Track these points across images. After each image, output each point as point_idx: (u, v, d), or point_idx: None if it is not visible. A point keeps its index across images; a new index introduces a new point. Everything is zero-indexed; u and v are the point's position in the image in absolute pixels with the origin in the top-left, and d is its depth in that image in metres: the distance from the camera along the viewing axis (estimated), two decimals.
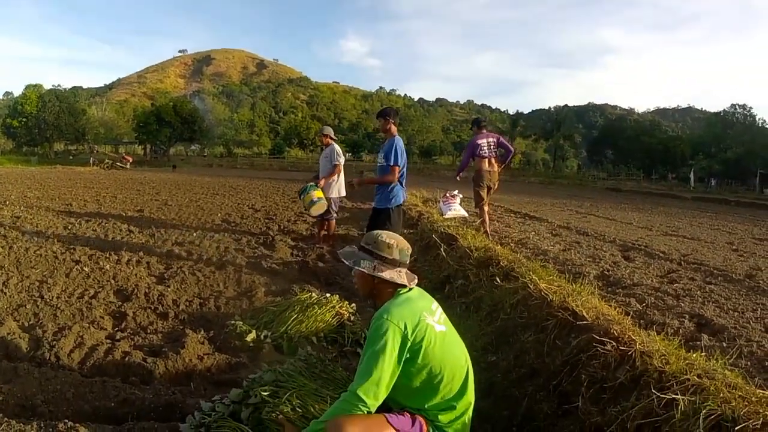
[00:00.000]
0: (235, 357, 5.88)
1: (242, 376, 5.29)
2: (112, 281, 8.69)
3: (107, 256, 10.50)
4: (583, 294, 5.48)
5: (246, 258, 10.88)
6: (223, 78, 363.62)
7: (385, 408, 3.47)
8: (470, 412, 3.66)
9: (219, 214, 18.13)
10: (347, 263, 3.84)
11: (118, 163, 60.05)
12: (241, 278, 9.23)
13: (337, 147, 13.23)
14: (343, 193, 13.46)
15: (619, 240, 13.69)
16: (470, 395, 3.65)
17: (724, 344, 5.37)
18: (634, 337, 4.20)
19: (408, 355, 3.37)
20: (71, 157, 79.90)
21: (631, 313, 6.24)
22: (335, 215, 13.44)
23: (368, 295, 4.01)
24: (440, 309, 3.78)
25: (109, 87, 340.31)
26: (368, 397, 3.21)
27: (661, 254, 11.50)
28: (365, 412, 3.23)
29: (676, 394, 3.35)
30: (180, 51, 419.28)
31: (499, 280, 6.85)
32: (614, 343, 4.20)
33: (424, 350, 3.39)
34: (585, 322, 4.75)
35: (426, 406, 3.51)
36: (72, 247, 11.22)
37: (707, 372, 3.55)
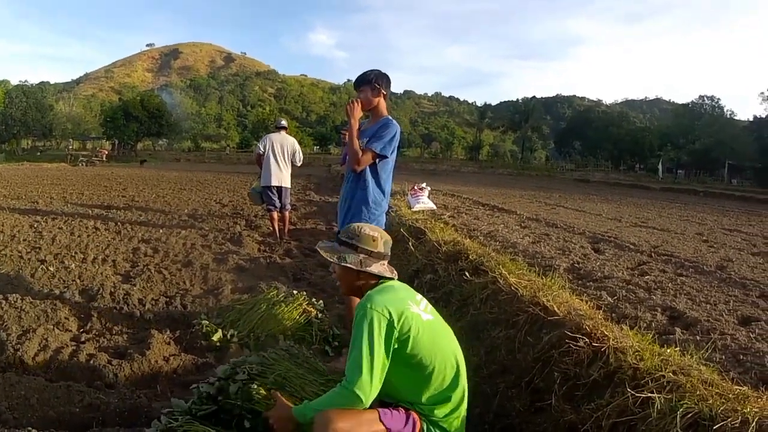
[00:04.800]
0: (202, 357, 5.81)
1: (208, 376, 5.24)
2: (78, 281, 8.54)
3: (73, 254, 10.34)
4: (554, 288, 5.42)
5: (213, 254, 10.80)
6: (190, 72, 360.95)
7: (379, 403, 3.41)
8: (465, 404, 3.59)
9: (186, 210, 17.99)
10: (330, 260, 3.69)
11: (94, 158, 59.65)
12: (208, 275, 9.12)
13: (268, 137, 13.41)
14: (272, 183, 13.12)
15: (588, 232, 13.63)
16: (463, 384, 3.56)
17: (698, 338, 5.29)
18: (606, 333, 4.16)
19: (396, 346, 3.27)
20: (39, 154, 79.00)
21: (603, 306, 6.09)
22: (272, 207, 13.18)
23: (351, 292, 3.90)
24: (425, 300, 3.68)
25: (77, 82, 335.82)
26: (364, 393, 3.13)
27: (632, 246, 11.48)
28: (360, 408, 3.17)
29: (652, 392, 3.32)
30: (148, 45, 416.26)
31: (468, 275, 6.73)
32: (587, 339, 4.14)
33: (413, 340, 3.29)
34: (556, 317, 4.68)
35: (422, 400, 3.43)
36: (37, 246, 11.04)
37: (683, 368, 3.53)
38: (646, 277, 8.36)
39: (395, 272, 3.77)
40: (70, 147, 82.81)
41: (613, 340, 4.05)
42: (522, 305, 5.20)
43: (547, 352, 4.46)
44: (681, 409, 3.08)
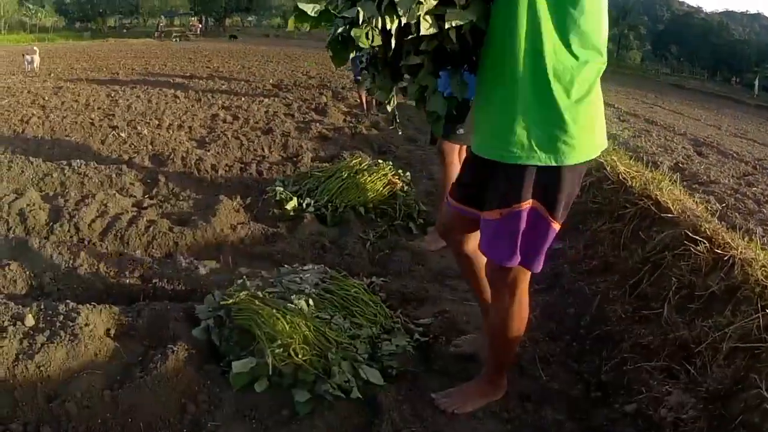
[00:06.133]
0: (273, 227, 5.25)
1: (278, 249, 4.74)
2: (149, 146, 8.20)
3: (147, 121, 10.05)
4: (664, 184, 4.74)
5: (295, 123, 10.38)
6: None
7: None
8: None
9: (271, 80, 17.61)
10: None
11: (189, 32, 60.11)
12: (288, 143, 8.60)
13: None
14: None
15: (689, 134, 13.35)
16: None
17: None
18: (729, 240, 3.49)
19: None
20: (125, 31, 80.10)
21: (711, 212, 5.51)
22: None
23: None
24: None
25: None
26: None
27: (735, 155, 11.14)
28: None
29: None
30: None
31: None
32: (707, 244, 3.47)
33: None
34: (670, 215, 4.04)
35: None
36: (111, 114, 10.77)
37: None
38: (754, 188, 8.09)
39: None
40: (162, 24, 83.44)
41: (738, 249, 3.35)
42: (631, 197, 4.60)
43: (658, 253, 3.83)
44: None
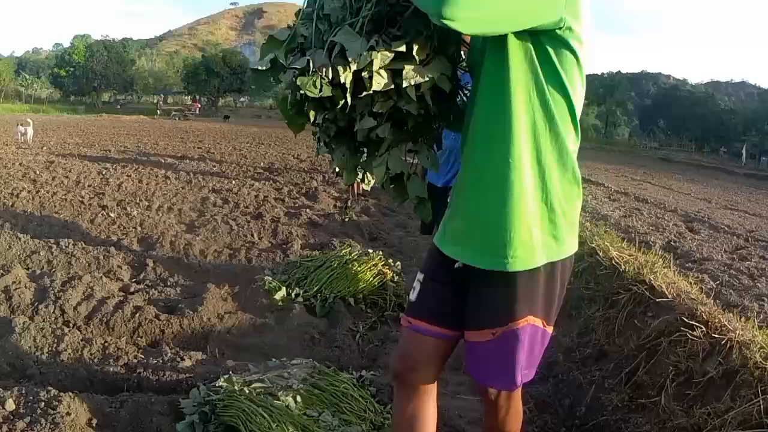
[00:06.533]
0: (261, 317, 5.22)
1: (266, 340, 4.72)
2: (138, 228, 8.22)
3: (137, 202, 10.11)
4: (658, 266, 4.77)
5: (285, 208, 10.46)
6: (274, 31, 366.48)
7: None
8: None
9: (262, 163, 17.80)
10: None
11: (188, 112, 61.11)
12: (278, 229, 8.63)
13: None
14: None
15: (680, 210, 13.59)
16: None
17: None
18: (726, 323, 3.49)
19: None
20: (119, 107, 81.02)
21: (706, 291, 5.55)
22: None
23: None
24: None
25: (160, 39, 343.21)
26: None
27: (726, 228, 11.33)
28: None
29: None
30: (232, 3, 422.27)
31: None
32: (704, 328, 3.48)
33: (580, 35, 2.02)
34: (665, 300, 4.06)
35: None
36: (101, 192, 10.83)
37: None
38: (747, 262, 8.13)
39: None
40: (161, 102, 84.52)
41: (736, 331, 3.37)
42: (624, 282, 4.62)
43: (654, 340, 3.85)
44: None
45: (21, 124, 22.07)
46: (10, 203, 9.60)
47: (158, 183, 12.36)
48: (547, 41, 2.00)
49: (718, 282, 6.56)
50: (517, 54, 2.02)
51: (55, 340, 4.26)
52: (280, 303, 5.56)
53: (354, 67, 2.01)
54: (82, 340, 4.31)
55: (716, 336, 3.36)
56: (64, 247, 6.73)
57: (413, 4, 1.98)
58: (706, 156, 77.88)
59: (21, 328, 4.37)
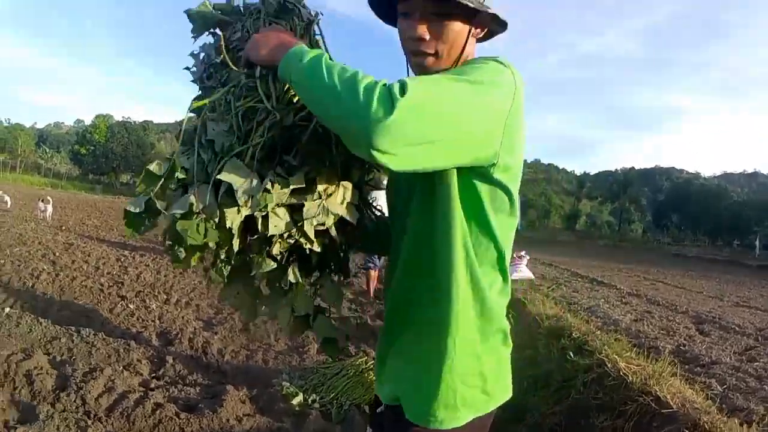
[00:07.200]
0: (278, 422, 5.34)
1: None
2: (157, 321, 8.38)
3: (156, 294, 10.28)
4: (666, 375, 5.00)
5: None
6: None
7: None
8: None
9: None
10: None
11: None
12: None
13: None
14: None
15: (691, 311, 13.68)
16: None
17: None
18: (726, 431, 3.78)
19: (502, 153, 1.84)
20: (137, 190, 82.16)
21: (713, 396, 5.72)
22: (372, 265, 12.22)
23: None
24: None
25: (179, 123, 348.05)
26: (394, 98, 1.53)
27: (737, 327, 11.42)
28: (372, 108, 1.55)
29: None
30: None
31: (571, 355, 6.33)
32: None
33: (513, 168, 1.94)
34: (670, 410, 4.30)
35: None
36: (120, 281, 11.03)
37: None
38: (756, 363, 8.21)
39: None
40: None
41: None
42: (631, 393, 4.82)
43: None
44: None
45: (42, 201, 22.62)
46: (30, 284, 9.85)
47: (176, 276, 12.53)
48: (478, 181, 1.90)
49: (725, 386, 6.66)
50: (446, 197, 1.91)
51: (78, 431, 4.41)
52: (297, 408, 5.68)
53: (245, 211, 1.83)
54: None
55: None
56: (84, 336, 6.89)
57: (315, 125, 1.87)
58: (720, 249, 77.97)
59: (45, 416, 4.54)
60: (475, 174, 1.87)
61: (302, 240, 1.92)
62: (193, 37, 2.24)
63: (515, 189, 1.97)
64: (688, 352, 8.56)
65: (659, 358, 5.86)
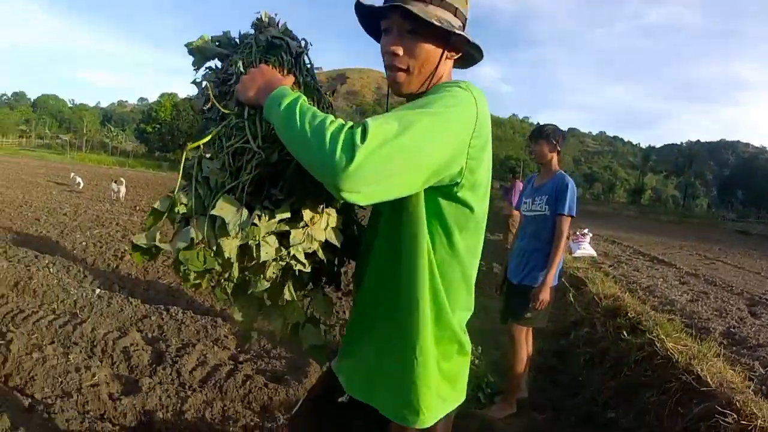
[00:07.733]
0: None
1: None
2: None
3: None
4: (709, 356, 5.35)
5: None
6: (357, 96, 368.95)
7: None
8: None
9: None
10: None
11: None
12: None
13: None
14: None
15: (746, 292, 13.57)
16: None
17: None
18: (755, 411, 4.03)
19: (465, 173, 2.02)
20: None
21: (754, 378, 6.01)
22: None
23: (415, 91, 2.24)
24: None
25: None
26: (368, 135, 1.71)
27: None
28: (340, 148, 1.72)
29: None
30: (316, 68, 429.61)
31: (626, 334, 6.62)
32: (735, 416, 4.03)
33: (478, 186, 2.12)
34: (708, 388, 4.63)
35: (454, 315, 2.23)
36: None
37: None
38: None
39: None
40: None
41: (762, 419, 3.93)
42: (676, 372, 5.14)
43: (695, 424, 4.36)
44: None
45: (115, 182, 23.38)
46: (114, 265, 10.38)
47: None
48: (443, 200, 2.07)
49: (767, 368, 6.79)
50: (411, 215, 2.08)
51: (179, 401, 4.85)
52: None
53: (237, 242, 2.03)
54: (203, 402, 4.89)
55: (744, 422, 3.93)
56: (173, 314, 7.35)
57: (296, 160, 1.95)
58: None
59: (147, 388, 5.00)
60: (440, 193, 2.05)
61: (293, 262, 2.13)
62: (194, 69, 2.45)
63: (481, 207, 2.16)
64: (737, 334, 8.63)
65: (707, 338, 6.15)
